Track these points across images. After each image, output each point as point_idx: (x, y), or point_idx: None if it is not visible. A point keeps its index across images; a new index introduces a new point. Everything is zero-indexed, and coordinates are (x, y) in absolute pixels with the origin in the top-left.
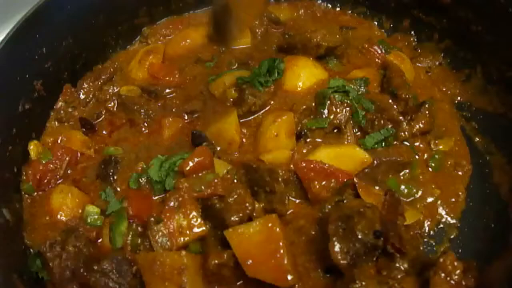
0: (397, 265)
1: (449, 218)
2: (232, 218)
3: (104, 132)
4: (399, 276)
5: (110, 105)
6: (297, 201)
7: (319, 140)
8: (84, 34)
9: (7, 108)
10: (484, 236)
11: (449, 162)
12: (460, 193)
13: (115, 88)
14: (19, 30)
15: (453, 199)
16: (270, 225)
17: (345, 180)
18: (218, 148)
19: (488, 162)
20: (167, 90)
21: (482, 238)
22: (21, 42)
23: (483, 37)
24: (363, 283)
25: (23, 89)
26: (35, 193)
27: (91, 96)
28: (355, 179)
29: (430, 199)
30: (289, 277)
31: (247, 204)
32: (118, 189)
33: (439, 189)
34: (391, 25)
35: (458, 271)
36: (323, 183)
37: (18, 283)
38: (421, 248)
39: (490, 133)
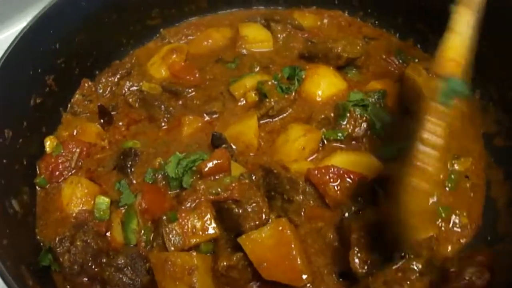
0: (412, 266)
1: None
2: (248, 226)
3: (120, 123)
4: (413, 277)
5: (130, 100)
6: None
7: (336, 145)
8: (97, 32)
9: (19, 102)
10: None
11: (468, 184)
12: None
13: (132, 83)
14: (34, 26)
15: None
16: (280, 228)
17: (358, 178)
18: (235, 149)
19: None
20: (188, 90)
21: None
22: (36, 37)
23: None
24: None
25: (35, 83)
26: (48, 186)
27: (108, 90)
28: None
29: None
30: (304, 277)
31: (263, 214)
32: (134, 181)
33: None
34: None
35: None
36: (338, 184)
37: (26, 274)
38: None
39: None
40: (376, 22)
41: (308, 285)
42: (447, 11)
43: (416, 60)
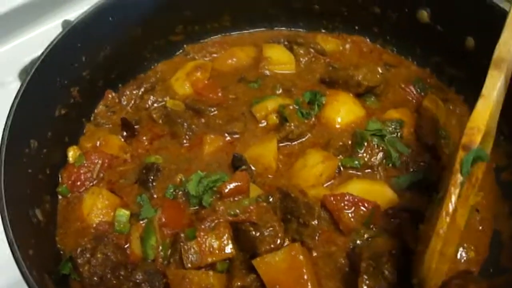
0: None
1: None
2: (264, 248)
3: (144, 138)
4: None
5: (154, 115)
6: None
7: (352, 172)
8: (122, 46)
9: (44, 113)
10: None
11: (477, 218)
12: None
13: (156, 98)
14: (64, 38)
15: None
16: (293, 253)
17: (372, 207)
18: (254, 171)
19: None
20: (210, 108)
21: None
22: (64, 49)
23: None
24: None
25: (60, 95)
26: (70, 195)
27: (132, 103)
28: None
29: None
30: None
31: (279, 239)
32: (155, 196)
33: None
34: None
35: None
36: (353, 212)
37: (49, 282)
38: None
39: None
40: (395, 50)
41: None
42: (463, 46)
43: (434, 90)
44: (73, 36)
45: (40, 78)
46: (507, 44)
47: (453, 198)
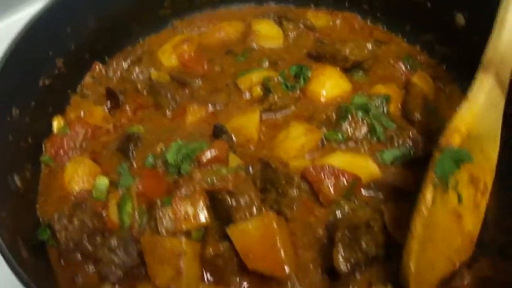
0: None
1: None
2: (239, 217)
3: (127, 108)
4: None
5: (139, 86)
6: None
7: (336, 145)
8: (109, 19)
9: (28, 82)
10: None
11: None
12: None
13: (142, 69)
14: (48, 10)
15: None
16: (267, 221)
17: (352, 179)
18: (235, 141)
19: None
20: (195, 80)
21: None
22: (49, 21)
23: None
24: None
25: (45, 65)
26: (53, 164)
27: (118, 74)
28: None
29: None
30: (287, 269)
31: (255, 208)
32: (135, 165)
33: None
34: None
35: None
36: (333, 183)
37: (22, 246)
38: None
39: None
40: (385, 27)
41: (293, 276)
42: (453, 23)
43: (424, 67)
44: (59, 8)
45: (24, 48)
46: (496, 46)
47: (429, 198)
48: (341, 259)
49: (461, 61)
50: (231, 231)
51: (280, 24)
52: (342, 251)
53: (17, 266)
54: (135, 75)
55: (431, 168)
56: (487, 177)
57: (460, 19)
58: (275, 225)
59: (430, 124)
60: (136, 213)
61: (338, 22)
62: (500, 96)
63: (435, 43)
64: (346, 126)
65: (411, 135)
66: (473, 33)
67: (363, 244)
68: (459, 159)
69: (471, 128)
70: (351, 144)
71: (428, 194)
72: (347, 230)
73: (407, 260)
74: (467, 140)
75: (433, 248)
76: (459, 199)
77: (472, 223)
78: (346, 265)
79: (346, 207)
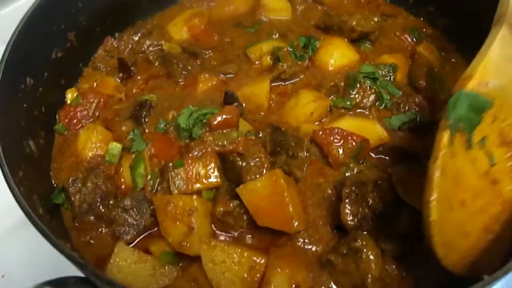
0: None
1: None
2: (249, 178)
3: (139, 77)
4: None
5: (151, 57)
6: (320, 163)
7: (344, 112)
8: None
9: (41, 54)
10: None
11: None
12: None
13: (152, 42)
14: None
15: None
16: (274, 179)
17: (361, 141)
18: (245, 108)
19: None
20: (206, 51)
21: None
22: None
23: None
24: (363, 242)
25: (57, 38)
26: (66, 132)
27: (129, 47)
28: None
29: None
30: (295, 223)
31: (265, 169)
32: (147, 131)
33: None
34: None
35: None
36: (341, 145)
37: (37, 204)
38: None
39: None
40: (389, 0)
41: (302, 233)
42: None
43: (429, 39)
44: None
45: (37, 21)
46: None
47: (443, 141)
48: (348, 214)
49: (463, 33)
50: (241, 190)
51: None
52: (349, 206)
53: (33, 215)
54: (145, 47)
55: (444, 115)
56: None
57: None
58: (282, 182)
59: (437, 93)
60: (148, 175)
61: None
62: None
63: (437, 15)
64: (354, 94)
65: (417, 101)
66: (473, 4)
67: (370, 201)
68: (475, 104)
69: (486, 77)
70: (359, 111)
71: (442, 137)
72: (354, 187)
73: (426, 210)
74: (484, 89)
75: (463, 210)
76: (491, 160)
77: (505, 185)
78: (353, 220)
79: (356, 169)
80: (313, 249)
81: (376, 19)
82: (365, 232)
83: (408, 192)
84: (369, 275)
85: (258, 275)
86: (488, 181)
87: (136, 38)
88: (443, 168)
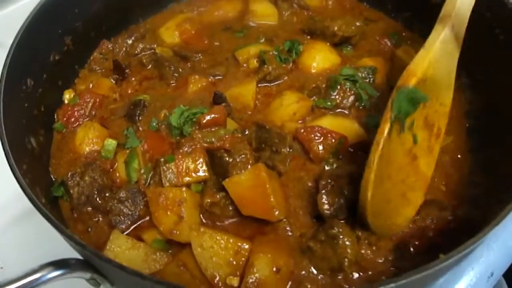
0: None
1: None
2: (235, 172)
3: (133, 79)
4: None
5: (144, 60)
6: (302, 159)
7: (325, 112)
8: (113, 1)
9: (40, 58)
10: None
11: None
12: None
13: (145, 45)
14: None
15: None
16: (257, 172)
17: (339, 138)
18: (233, 108)
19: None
20: (196, 55)
21: None
22: (59, 2)
23: None
24: (340, 229)
25: (55, 42)
26: (64, 130)
27: (123, 50)
28: None
29: None
30: (276, 212)
31: (249, 165)
32: (140, 129)
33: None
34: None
35: None
36: (321, 142)
37: (40, 194)
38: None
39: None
40: (369, 5)
41: (284, 221)
42: (430, 2)
43: (409, 42)
44: None
45: (37, 26)
46: (452, 0)
47: (385, 131)
48: (324, 203)
49: None
50: (227, 183)
51: (275, 4)
52: (325, 196)
53: (38, 202)
54: (139, 50)
55: (389, 106)
56: (441, 122)
57: None
58: (264, 174)
59: None
60: (142, 169)
61: (330, 2)
62: (455, 48)
63: (414, 20)
64: (334, 95)
65: None
66: None
67: (346, 192)
68: (414, 99)
69: (426, 73)
70: (339, 110)
71: (384, 128)
72: (330, 179)
73: (364, 189)
74: (422, 84)
75: (389, 183)
76: (414, 140)
77: (426, 164)
78: (329, 209)
79: (335, 164)
80: (294, 236)
81: (358, 24)
82: (342, 221)
83: None
84: (346, 259)
85: (243, 259)
86: (410, 157)
87: (130, 42)
88: (382, 152)
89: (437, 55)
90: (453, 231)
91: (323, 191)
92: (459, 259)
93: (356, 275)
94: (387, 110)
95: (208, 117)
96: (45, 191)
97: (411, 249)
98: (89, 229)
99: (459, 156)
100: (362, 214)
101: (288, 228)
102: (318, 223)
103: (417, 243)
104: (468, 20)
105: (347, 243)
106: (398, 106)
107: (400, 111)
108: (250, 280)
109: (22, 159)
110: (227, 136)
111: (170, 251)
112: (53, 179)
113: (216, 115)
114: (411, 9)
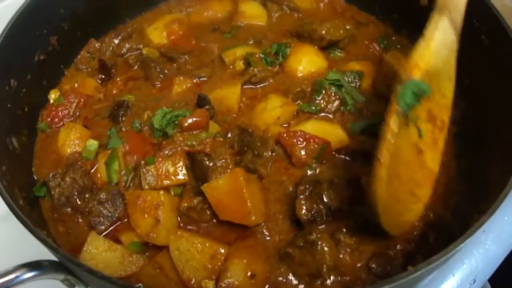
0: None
1: None
2: (214, 177)
3: (118, 79)
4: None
5: (130, 61)
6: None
7: (310, 116)
8: (98, 1)
9: (25, 57)
10: None
11: None
12: None
13: (132, 45)
14: None
15: None
16: (234, 177)
17: (322, 143)
18: (217, 110)
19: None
20: (182, 56)
21: None
22: (42, 2)
23: None
24: (318, 235)
25: (40, 42)
26: (48, 130)
27: (110, 49)
28: None
29: None
30: (253, 217)
31: (229, 170)
32: (123, 129)
33: None
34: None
35: None
36: (304, 147)
37: (18, 196)
38: None
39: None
40: (358, 7)
41: (262, 225)
42: (417, 2)
43: (398, 46)
44: None
45: (20, 26)
46: None
47: (392, 125)
48: (302, 209)
49: None
50: (205, 188)
51: (265, 5)
52: (303, 202)
53: (14, 206)
54: (125, 50)
55: (394, 100)
56: (444, 114)
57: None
58: (241, 179)
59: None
60: (123, 171)
61: (321, 5)
62: (454, 38)
63: (402, 23)
64: (319, 100)
65: (380, 109)
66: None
67: (324, 198)
68: (419, 91)
69: (428, 64)
70: (323, 115)
71: (392, 122)
72: (308, 185)
73: (375, 186)
74: (426, 75)
75: (397, 181)
76: (419, 133)
77: (431, 158)
78: (308, 215)
79: (318, 169)
80: (273, 241)
81: (348, 27)
82: (320, 226)
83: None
84: (324, 265)
85: (219, 263)
86: (415, 152)
87: (116, 41)
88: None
89: (438, 46)
90: (434, 240)
91: (301, 196)
92: (429, 270)
93: (333, 279)
94: (391, 105)
95: (190, 120)
96: (26, 192)
97: (392, 254)
98: (69, 230)
99: (447, 160)
100: (374, 214)
101: (266, 233)
102: (298, 228)
103: (398, 247)
104: (465, 9)
105: (325, 248)
106: (403, 99)
107: (405, 103)
108: (224, 285)
109: (2, 161)
110: (208, 140)
111: (146, 254)
112: (36, 179)
113: (198, 118)
114: (399, 11)
